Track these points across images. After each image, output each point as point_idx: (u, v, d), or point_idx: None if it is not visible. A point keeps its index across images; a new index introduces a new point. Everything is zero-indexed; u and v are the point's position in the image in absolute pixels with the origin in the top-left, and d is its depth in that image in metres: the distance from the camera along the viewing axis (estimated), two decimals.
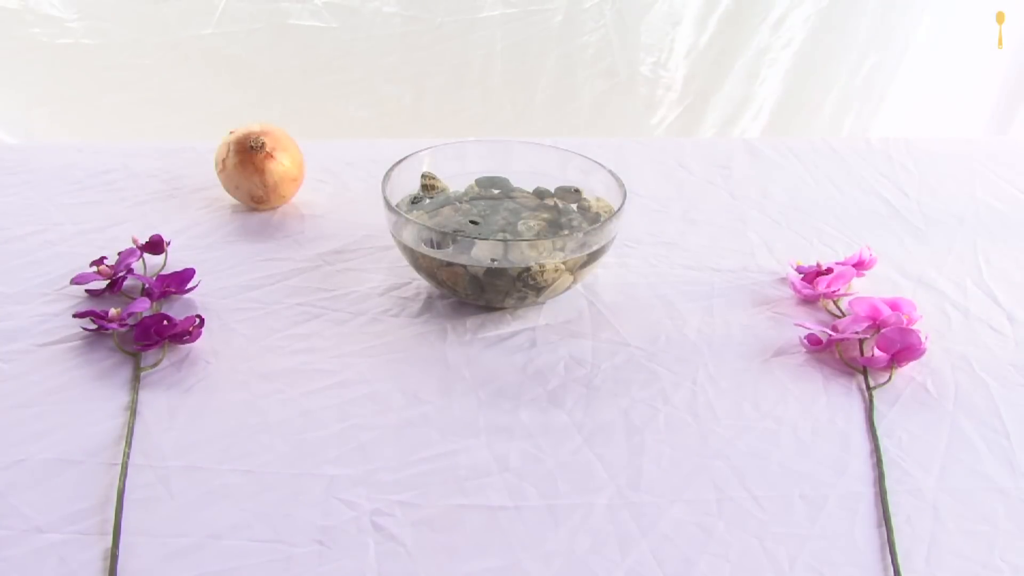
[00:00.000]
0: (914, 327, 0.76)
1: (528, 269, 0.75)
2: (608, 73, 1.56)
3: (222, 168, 0.92)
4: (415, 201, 0.84)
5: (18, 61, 1.38)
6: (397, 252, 0.85)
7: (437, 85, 1.53)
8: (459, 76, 1.53)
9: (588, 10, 1.50)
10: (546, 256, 0.75)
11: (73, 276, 0.81)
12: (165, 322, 0.73)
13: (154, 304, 0.78)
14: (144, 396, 0.69)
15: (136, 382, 0.70)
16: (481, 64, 1.52)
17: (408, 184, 0.85)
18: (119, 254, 0.83)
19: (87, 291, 0.80)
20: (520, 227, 0.80)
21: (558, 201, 0.85)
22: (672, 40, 1.54)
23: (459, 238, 0.76)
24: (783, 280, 0.86)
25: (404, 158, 0.84)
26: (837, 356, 0.76)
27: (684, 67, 1.56)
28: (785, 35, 1.56)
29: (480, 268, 0.75)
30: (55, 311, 0.78)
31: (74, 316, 0.76)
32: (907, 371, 0.75)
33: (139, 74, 1.43)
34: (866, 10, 1.55)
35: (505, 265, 0.75)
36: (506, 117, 1.57)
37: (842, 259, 0.87)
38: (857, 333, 0.76)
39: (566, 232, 0.80)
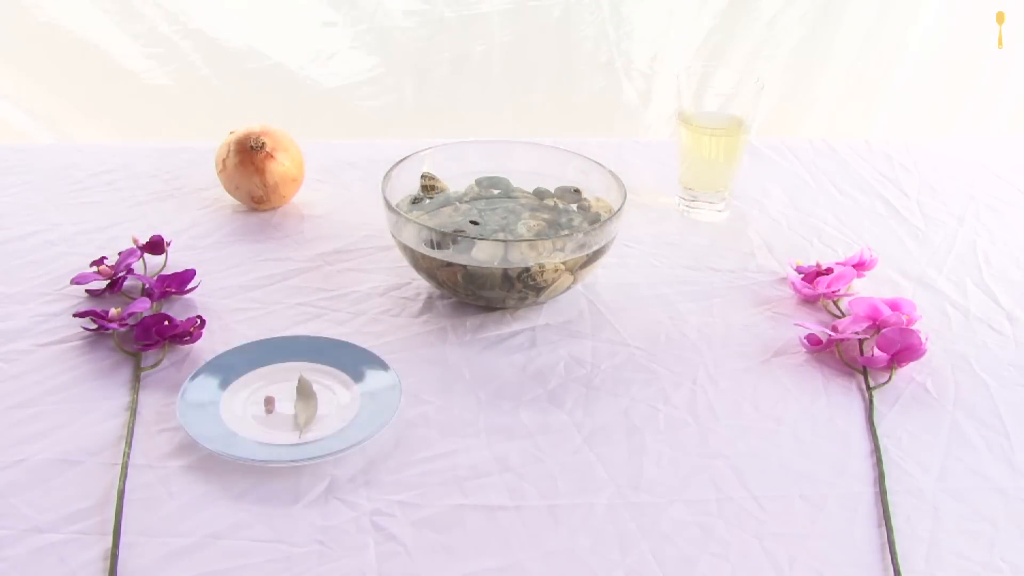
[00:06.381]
0: (914, 327, 0.76)
1: (528, 269, 0.75)
2: (604, 67, 1.57)
3: (222, 168, 0.92)
4: (415, 201, 0.84)
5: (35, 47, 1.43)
6: (397, 252, 0.85)
7: (439, 77, 1.55)
8: (460, 68, 1.55)
9: (586, 4, 1.51)
10: (546, 256, 0.75)
11: (73, 276, 0.81)
12: (166, 322, 0.73)
13: (154, 304, 0.78)
14: (144, 396, 0.69)
15: (136, 382, 0.70)
16: (481, 56, 1.54)
17: (408, 184, 0.85)
18: (119, 254, 0.83)
19: (87, 291, 0.80)
20: (520, 227, 0.80)
21: (558, 201, 0.85)
22: (668, 35, 1.55)
23: (459, 238, 0.76)
24: (783, 280, 0.86)
25: (404, 158, 0.84)
26: (837, 356, 0.76)
27: (680, 61, 1.57)
28: (781, 31, 1.56)
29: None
30: (55, 311, 0.78)
31: (74, 316, 0.76)
32: (907, 371, 0.75)
33: (149, 63, 1.47)
34: (862, 8, 1.55)
35: (505, 265, 0.75)
36: (505, 109, 1.58)
37: (842, 259, 0.87)
38: (857, 333, 0.76)
39: (566, 232, 0.80)
